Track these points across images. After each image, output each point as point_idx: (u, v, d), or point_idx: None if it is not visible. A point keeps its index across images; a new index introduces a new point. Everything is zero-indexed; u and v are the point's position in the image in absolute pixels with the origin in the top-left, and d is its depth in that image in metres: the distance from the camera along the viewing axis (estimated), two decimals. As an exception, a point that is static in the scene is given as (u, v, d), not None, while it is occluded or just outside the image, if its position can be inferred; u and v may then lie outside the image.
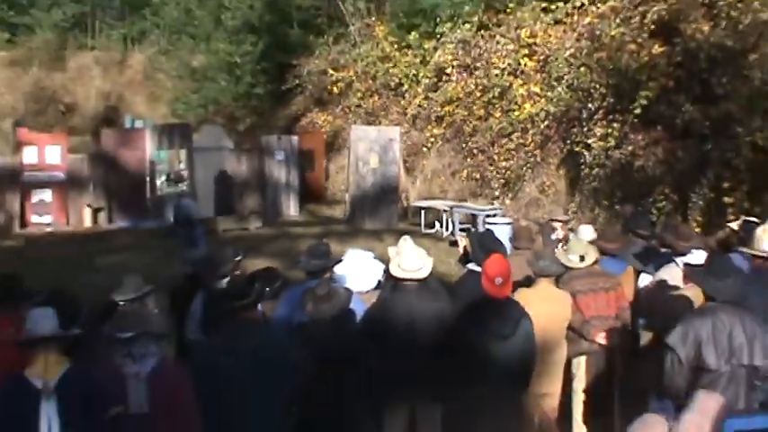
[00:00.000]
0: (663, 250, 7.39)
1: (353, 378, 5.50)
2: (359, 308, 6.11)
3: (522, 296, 6.05)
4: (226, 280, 6.59)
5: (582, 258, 6.86)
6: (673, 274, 6.50)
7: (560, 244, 8.22)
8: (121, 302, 6.18)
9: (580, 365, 6.81)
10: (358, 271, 7.02)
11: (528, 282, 6.67)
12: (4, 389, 4.25)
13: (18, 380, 4.13)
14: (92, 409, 4.11)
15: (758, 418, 4.13)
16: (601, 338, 6.71)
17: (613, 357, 6.81)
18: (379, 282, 7.00)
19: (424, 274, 5.96)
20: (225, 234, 18.40)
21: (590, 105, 16.41)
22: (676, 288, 6.22)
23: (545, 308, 6.16)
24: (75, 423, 4.08)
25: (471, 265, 6.78)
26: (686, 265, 5.56)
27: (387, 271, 6.78)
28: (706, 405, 2.48)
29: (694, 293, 5.45)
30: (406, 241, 6.54)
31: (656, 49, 15.06)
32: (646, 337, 6.45)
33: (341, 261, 6.95)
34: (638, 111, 14.87)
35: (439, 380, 5.50)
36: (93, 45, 34.30)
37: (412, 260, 5.96)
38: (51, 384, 4.09)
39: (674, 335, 4.87)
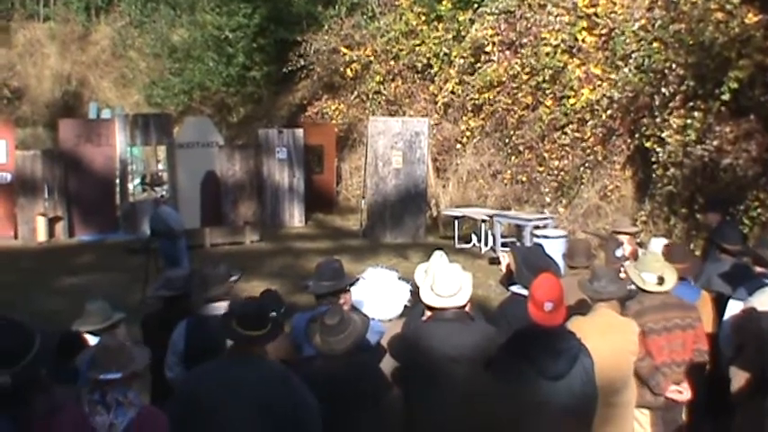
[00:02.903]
0: (757, 270, 7.33)
1: (373, 425, 5.49)
2: (377, 339, 6.11)
3: (577, 326, 6.01)
4: (224, 303, 6.57)
5: (661, 280, 6.80)
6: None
7: (627, 262, 8.19)
8: (87, 333, 6.21)
9: (644, 420, 6.77)
10: (379, 294, 7.02)
11: (584, 308, 6.65)
12: None
13: None
14: None
15: None
16: (675, 393, 6.67)
17: (691, 413, 6.77)
18: (406, 307, 7.00)
19: (462, 300, 5.95)
20: (214, 249, 18.49)
21: (664, 90, 16.35)
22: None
23: (606, 340, 6.12)
24: None
25: (516, 288, 6.77)
26: None
27: (413, 294, 6.78)
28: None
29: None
30: (440, 258, 6.54)
31: (750, 18, 14.96)
32: (736, 381, 6.37)
33: (357, 282, 6.95)
34: (725, 96, 14.79)
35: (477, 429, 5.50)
36: (48, 15, 34.37)
37: (447, 282, 5.94)
38: None
39: None
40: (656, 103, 16.53)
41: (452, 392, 5.61)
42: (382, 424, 5.56)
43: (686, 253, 8.14)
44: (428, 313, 6.00)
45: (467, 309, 6.00)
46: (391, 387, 5.78)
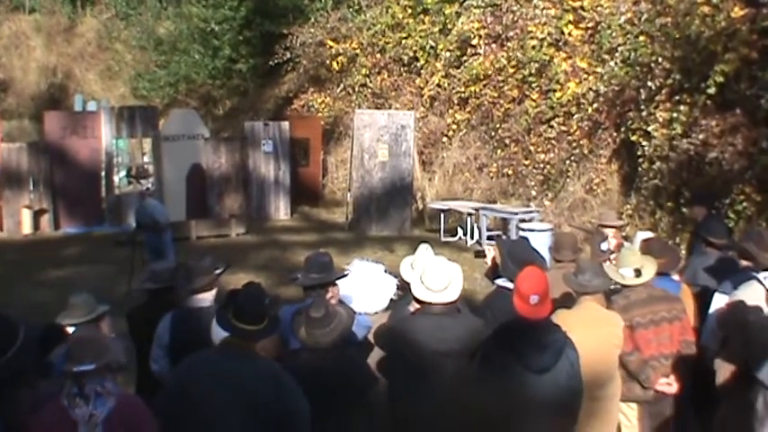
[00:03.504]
0: (743, 264, 7.32)
1: (360, 418, 5.46)
2: (363, 332, 6.09)
3: (562, 319, 5.94)
4: (208, 294, 6.53)
5: (638, 273, 6.81)
6: (755, 293, 6.43)
7: (613, 255, 8.18)
8: (69, 326, 6.16)
9: (631, 414, 6.79)
10: (366, 287, 7.00)
11: (569, 301, 6.64)
12: None
13: None
14: None
15: None
16: (664, 386, 6.68)
17: (677, 406, 6.77)
18: (392, 301, 6.98)
19: (452, 295, 5.92)
20: (200, 242, 18.44)
21: (650, 84, 16.36)
22: (761, 310, 6.16)
23: (591, 334, 6.10)
24: None
25: (501, 281, 6.78)
26: None
27: (399, 287, 6.77)
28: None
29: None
30: (426, 251, 6.52)
31: (737, 11, 14.95)
32: (721, 374, 6.37)
33: (345, 275, 6.92)
34: (711, 90, 14.80)
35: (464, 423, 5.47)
36: (33, 7, 34.15)
37: (438, 275, 5.91)
38: None
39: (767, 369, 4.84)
40: (642, 96, 16.54)
41: (440, 387, 5.59)
42: (368, 417, 5.54)
43: (665, 247, 8.13)
44: (416, 305, 5.98)
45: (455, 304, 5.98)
46: (378, 381, 5.76)
